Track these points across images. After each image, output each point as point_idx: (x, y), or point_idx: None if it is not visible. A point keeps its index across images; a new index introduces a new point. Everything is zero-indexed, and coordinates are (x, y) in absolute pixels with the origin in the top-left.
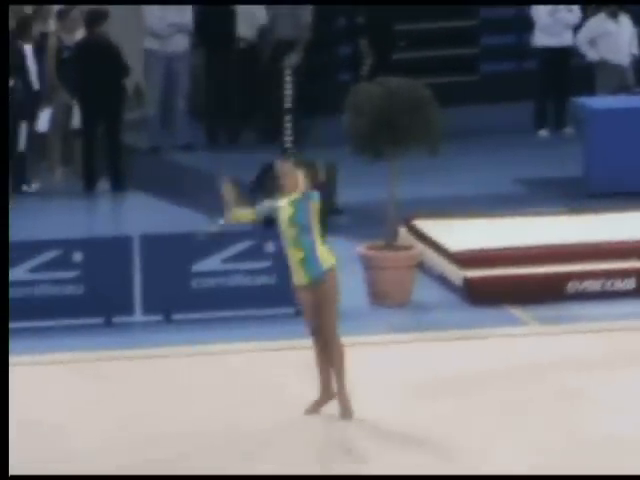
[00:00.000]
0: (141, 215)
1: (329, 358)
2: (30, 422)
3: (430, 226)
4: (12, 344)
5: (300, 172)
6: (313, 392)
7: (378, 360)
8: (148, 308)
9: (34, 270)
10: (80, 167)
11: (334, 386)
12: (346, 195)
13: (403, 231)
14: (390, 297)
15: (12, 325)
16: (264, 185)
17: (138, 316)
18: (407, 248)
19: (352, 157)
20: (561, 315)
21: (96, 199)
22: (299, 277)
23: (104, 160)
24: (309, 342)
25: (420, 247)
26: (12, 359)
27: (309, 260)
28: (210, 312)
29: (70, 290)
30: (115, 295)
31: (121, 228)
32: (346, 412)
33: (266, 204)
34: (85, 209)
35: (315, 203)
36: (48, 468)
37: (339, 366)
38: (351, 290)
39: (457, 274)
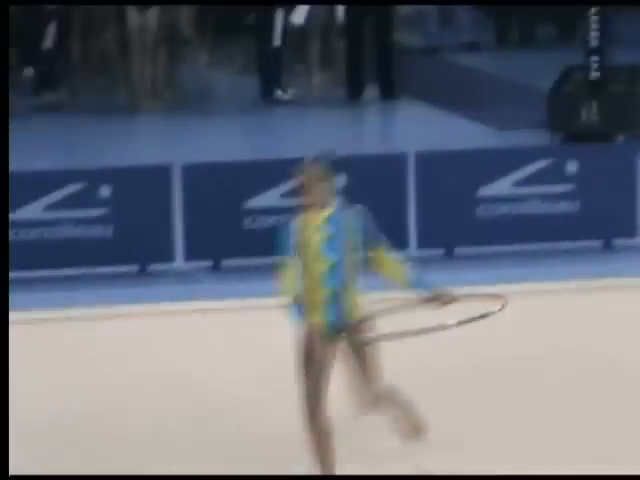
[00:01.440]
0: (416, 127)
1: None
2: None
3: None
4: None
5: (327, 182)
6: None
7: None
8: (424, 241)
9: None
10: (343, 71)
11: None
12: None
13: None
14: None
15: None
16: (566, 95)
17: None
18: None
19: None
20: None
21: (362, 108)
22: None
23: (372, 62)
24: None
25: None
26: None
27: (333, 303)
28: None
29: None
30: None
31: (392, 143)
32: None
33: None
34: (348, 120)
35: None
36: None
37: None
38: None
39: None
